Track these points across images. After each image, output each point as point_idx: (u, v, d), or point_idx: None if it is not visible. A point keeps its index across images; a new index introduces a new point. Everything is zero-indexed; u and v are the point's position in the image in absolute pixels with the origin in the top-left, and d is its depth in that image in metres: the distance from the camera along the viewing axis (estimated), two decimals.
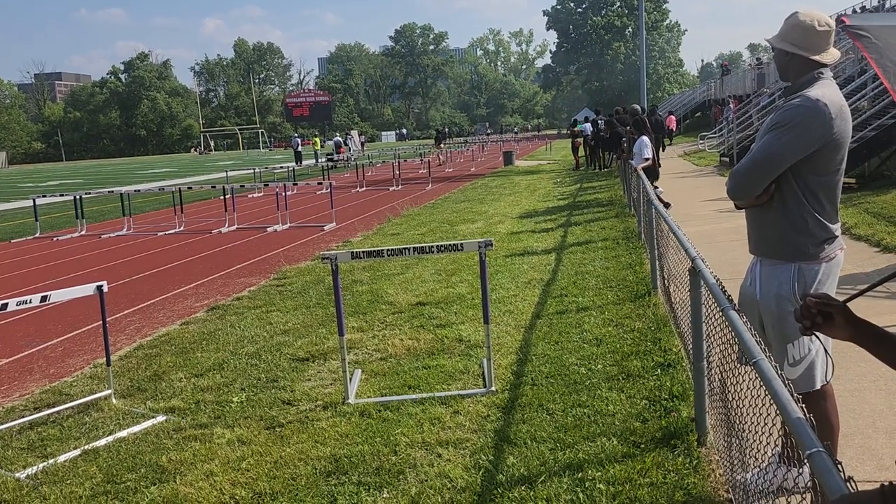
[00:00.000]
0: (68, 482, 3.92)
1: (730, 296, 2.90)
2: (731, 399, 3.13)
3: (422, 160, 32.88)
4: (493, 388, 4.78)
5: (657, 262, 6.74)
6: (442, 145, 46.27)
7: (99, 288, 4.98)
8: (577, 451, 3.75)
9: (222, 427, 4.53)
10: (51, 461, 4.18)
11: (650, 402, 4.29)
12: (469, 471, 3.70)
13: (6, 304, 4.59)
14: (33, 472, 4.07)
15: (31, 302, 4.65)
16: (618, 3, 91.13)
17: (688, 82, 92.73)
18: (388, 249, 4.74)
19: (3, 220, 20.51)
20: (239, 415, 4.72)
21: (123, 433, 4.55)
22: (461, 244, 4.75)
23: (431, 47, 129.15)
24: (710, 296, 3.44)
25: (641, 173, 9.16)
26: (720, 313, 3.29)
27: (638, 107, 14.03)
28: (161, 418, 4.77)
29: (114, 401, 5.13)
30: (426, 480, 3.65)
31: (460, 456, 3.89)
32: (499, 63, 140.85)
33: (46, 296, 4.72)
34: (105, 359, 5.22)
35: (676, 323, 5.28)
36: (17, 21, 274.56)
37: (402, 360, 5.61)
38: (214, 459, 4.09)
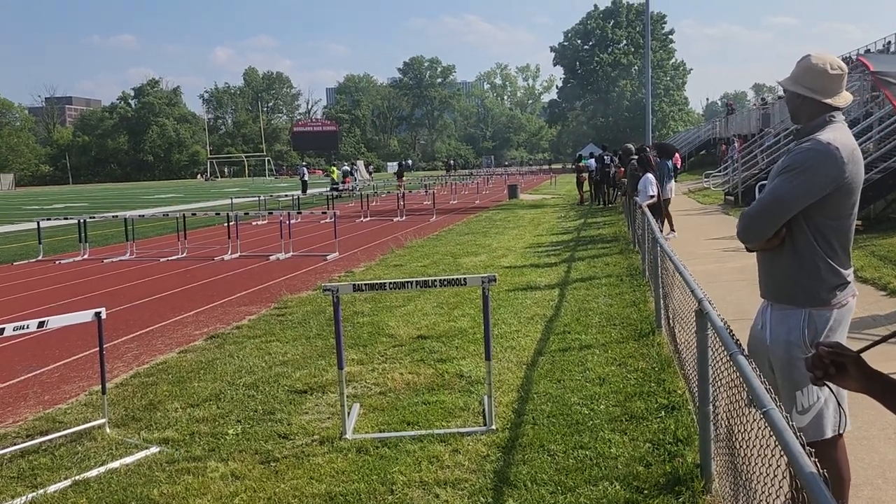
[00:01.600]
0: None
1: (738, 340, 2.84)
2: (738, 446, 3.05)
3: (426, 191, 32.96)
4: (494, 427, 4.69)
5: (661, 301, 6.67)
6: (403, 180, 43.52)
7: (97, 315, 4.93)
8: (578, 496, 3.66)
9: (216, 460, 4.44)
10: (40, 491, 4.09)
11: (654, 446, 4.20)
12: None
13: (3, 329, 4.54)
14: (22, 502, 3.98)
15: (28, 328, 4.59)
16: (624, 42, 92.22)
17: (693, 120, 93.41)
18: (390, 282, 4.69)
19: (8, 242, 20.52)
20: (234, 448, 4.63)
21: (116, 464, 4.46)
22: (464, 279, 4.70)
23: (439, 80, 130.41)
24: (718, 338, 3.37)
25: (647, 210, 9.13)
26: (727, 357, 3.23)
27: (631, 146, 14.07)
28: (154, 449, 4.68)
29: (108, 430, 5.04)
30: None
31: (458, 497, 3.79)
32: (505, 97, 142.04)
33: (44, 321, 4.67)
34: (101, 386, 5.14)
35: (681, 364, 5.20)
36: (30, 45, 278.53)
37: (402, 395, 5.52)
38: (207, 494, 4.00)
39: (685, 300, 4.74)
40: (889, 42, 32.45)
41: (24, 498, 4.01)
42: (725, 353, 3.23)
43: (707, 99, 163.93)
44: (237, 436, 4.85)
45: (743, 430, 3.00)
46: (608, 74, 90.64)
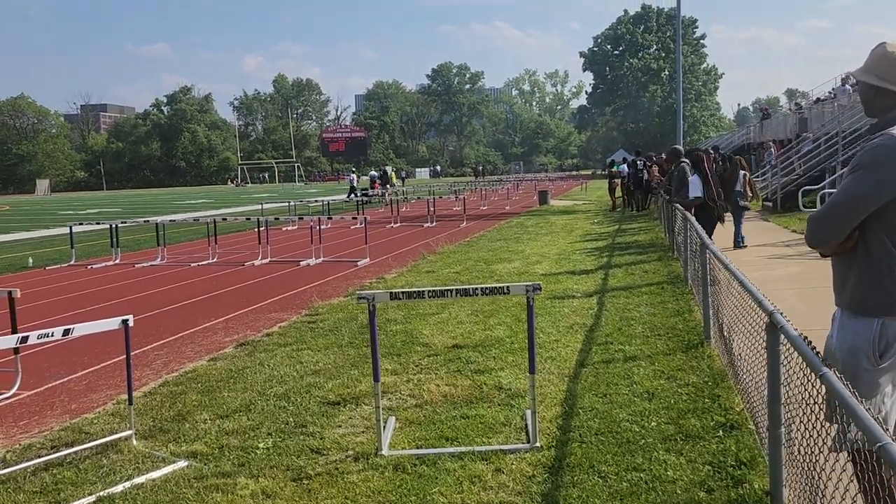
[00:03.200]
0: None
1: (824, 358, 2.54)
2: (821, 475, 2.75)
3: (456, 197, 32.76)
4: (538, 444, 4.42)
5: (710, 311, 6.34)
6: (388, 186, 38.75)
7: (125, 322, 4.75)
8: None
9: (246, 476, 4.22)
10: None
11: (714, 469, 3.89)
12: None
13: (27, 337, 4.38)
14: None
15: (52, 335, 4.42)
16: (655, 46, 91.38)
17: (724, 126, 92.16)
18: (428, 290, 4.44)
19: (41, 246, 20.67)
20: (265, 463, 4.41)
21: (142, 479, 4.26)
22: (507, 287, 4.44)
23: (467, 86, 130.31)
24: (792, 355, 3.07)
25: (689, 215, 8.79)
26: (803, 374, 2.93)
27: (680, 147, 13.62)
28: (182, 463, 4.47)
29: (134, 442, 4.85)
30: None
31: None
32: (534, 103, 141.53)
33: (69, 329, 4.49)
34: (127, 396, 4.96)
35: (737, 379, 4.88)
36: (66, 54, 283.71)
37: (439, 408, 5.27)
38: None
39: (743, 311, 4.43)
40: None
41: None
42: (802, 370, 2.93)
43: (738, 104, 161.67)
44: (268, 450, 4.63)
45: (825, 456, 2.70)
46: (638, 80, 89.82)
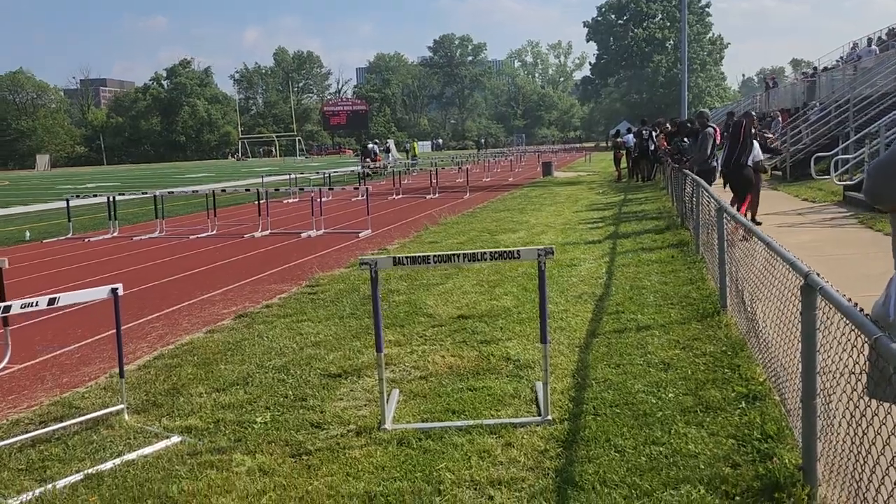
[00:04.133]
0: None
1: (875, 320, 2.29)
2: (864, 450, 2.51)
3: (459, 169, 32.37)
4: (550, 417, 4.19)
5: (727, 278, 6.09)
6: (368, 160, 36.63)
7: (113, 291, 4.50)
8: (657, 501, 3.15)
9: (242, 453, 4.00)
10: (48, 486, 3.67)
11: (739, 443, 3.66)
12: None
13: (10, 307, 4.13)
14: (28, 498, 3.57)
15: (37, 305, 4.18)
16: (659, 16, 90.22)
17: (729, 96, 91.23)
18: (434, 255, 4.18)
19: (39, 220, 20.42)
20: (262, 438, 4.19)
21: (133, 455, 4.04)
22: (517, 251, 4.18)
23: (469, 58, 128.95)
24: (833, 319, 2.82)
25: (700, 180, 8.50)
26: (846, 339, 2.68)
27: (707, 111, 13.27)
28: (176, 439, 4.26)
29: (126, 417, 4.63)
30: None
31: (516, 500, 3.30)
32: (537, 75, 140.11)
33: (55, 298, 4.25)
34: (118, 369, 4.73)
35: (760, 348, 4.63)
36: (65, 28, 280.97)
37: (445, 380, 5.04)
38: (232, 492, 3.55)
39: (769, 276, 4.18)
40: None
41: (29, 494, 3.61)
42: (845, 335, 2.68)
43: (743, 75, 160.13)
44: (265, 424, 4.41)
45: (871, 430, 2.47)
46: (642, 50, 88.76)
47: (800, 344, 3.33)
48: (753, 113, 15.67)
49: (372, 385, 4.95)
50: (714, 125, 12.09)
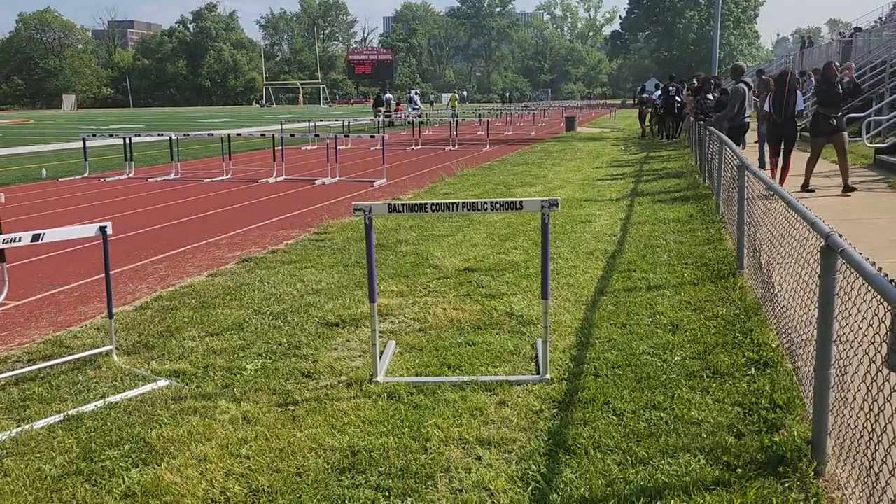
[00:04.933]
0: (39, 455, 3.30)
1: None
2: (881, 426, 2.30)
3: (480, 122, 31.87)
4: (548, 376, 4.01)
5: (745, 238, 5.82)
6: (382, 108, 35.75)
7: (102, 229, 4.34)
8: (653, 470, 2.96)
9: (228, 400, 3.87)
10: (25, 427, 3.57)
11: (745, 411, 3.46)
12: (514, 483, 2.95)
13: None
14: (3, 439, 3.47)
15: (20, 241, 4.03)
16: None
17: (762, 56, 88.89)
18: (431, 203, 3.97)
19: (58, 159, 20.40)
20: (250, 386, 4.06)
21: (117, 398, 3.93)
22: (520, 202, 3.95)
23: (497, 9, 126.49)
24: (855, 284, 2.59)
25: (724, 136, 8.16)
26: (867, 306, 2.45)
27: (742, 64, 12.85)
28: (163, 383, 4.14)
29: (115, 358, 4.52)
30: (460, 491, 2.92)
31: (504, 462, 3.14)
32: (565, 28, 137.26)
33: (39, 234, 4.10)
34: (107, 310, 4.61)
35: (775, 312, 4.40)
36: None
37: (444, 334, 4.87)
38: (212, 440, 3.43)
39: (788, 237, 3.93)
40: None
41: (8, 433, 3.51)
42: (865, 302, 2.45)
43: (778, 35, 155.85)
44: (255, 371, 4.27)
45: (889, 406, 2.26)
46: (674, 5, 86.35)
47: (816, 309, 3.11)
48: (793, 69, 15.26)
49: (369, 336, 4.79)
50: (748, 80, 11.64)
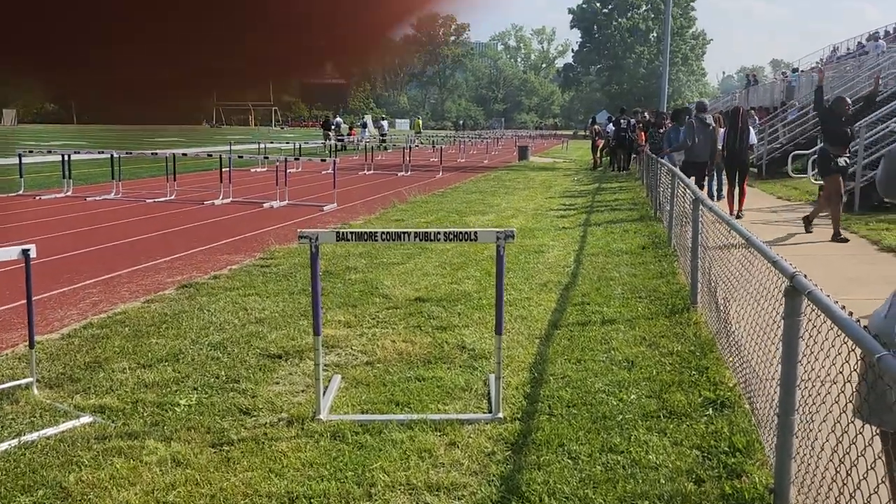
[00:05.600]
0: None
1: (875, 334, 1.94)
2: (845, 474, 2.18)
3: (434, 148, 31.86)
4: (501, 415, 3.83)
5: (698, 273, 5.77)
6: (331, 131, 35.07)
7: (25, 252, 4.04)
8: None
9: (157, 439, 3.59)
10: None
11: (704, 455, 3.33)
12: None
13: None
14: None
15: None
16: (644, 7, 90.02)
17: (708, 93, 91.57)
18: (382, 232, 3.78)
19: None
20: (182, 423, 3.78)
21: (33, 436, 3.61)
22: (475, 233, 3.80)
23: (452, 38, 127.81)
24: (820, 328, 2.48)
25: (677, 170, 8.18)
26: (836, 352, 2.35)
27: (705, 101, 13.14)
28: (86, 419, 3.83)
29: (35, 391, 4.19)
30: None
31: None
32: (519, 59, 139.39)
33: None
34: (28, 340, 4.28)
35: (732, 350, 4.31)
36: None
37: (392, 367, 4.66)
38: (136, 485, 3.15)
39: (746, 274, 3.85)
40: None
41: None
42: (833, 347, 2.34)
43: (723, 72, 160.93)
44: (189, 408, 4.00)
45: (854, 450, 2.14)
46: (625, 40, 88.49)
47: (776, 350, 3.01)
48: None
49: (313, 369, 4.55)
50: (705, 116, 11.83)
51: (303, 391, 4.28)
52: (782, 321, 2.72)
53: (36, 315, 5.71)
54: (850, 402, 2.26)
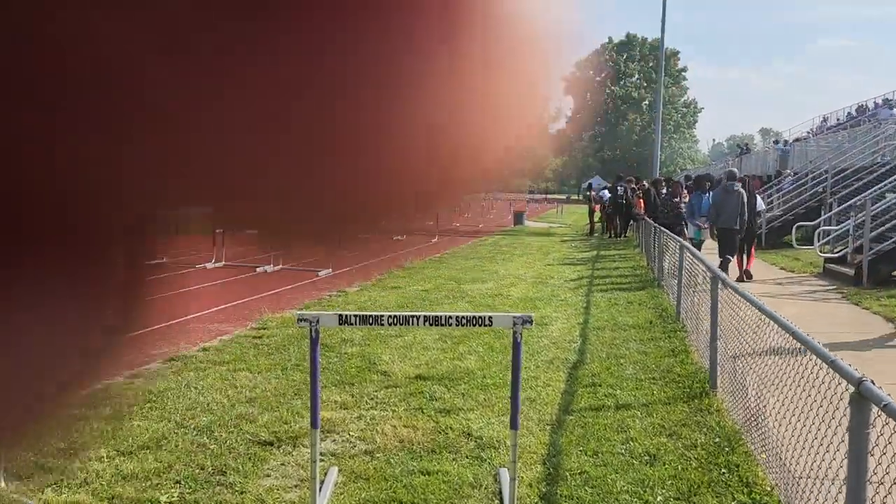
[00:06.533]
0: None
1: None
2: None
3: None
4: None
5: (717, 355, 5.46)
6: None
7: None
8: None
9: None
10: None
11: None
12: None
13: None
14: None
15: None
16: (637, 76, 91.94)
17: (700, 160, 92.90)
18: (389, 316, 3.48)
19: None
20: None
21: None
22: (489, 317, 3.49)
23: None
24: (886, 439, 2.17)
25: (687, 244, 7.95)
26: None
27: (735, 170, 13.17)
28: None
29: (2, 483, 3.79)
30: None
31: None
32: None
33: None
34: None
35: (766, 447, 3.97)
36: None
37: (394, 458, 4.29)
38: None
39: (785, 366, 3.54)
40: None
41: None
42: None
43: (714, 140, 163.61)
44: None
45: None
46: (618, 107, 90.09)
47: (827, 453, 2.70)
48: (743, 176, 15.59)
49: (307, 458, 4.18)
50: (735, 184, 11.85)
51: (295, 486, 3.90)
52: (845, 432, 2.41)
53: None
54: None
